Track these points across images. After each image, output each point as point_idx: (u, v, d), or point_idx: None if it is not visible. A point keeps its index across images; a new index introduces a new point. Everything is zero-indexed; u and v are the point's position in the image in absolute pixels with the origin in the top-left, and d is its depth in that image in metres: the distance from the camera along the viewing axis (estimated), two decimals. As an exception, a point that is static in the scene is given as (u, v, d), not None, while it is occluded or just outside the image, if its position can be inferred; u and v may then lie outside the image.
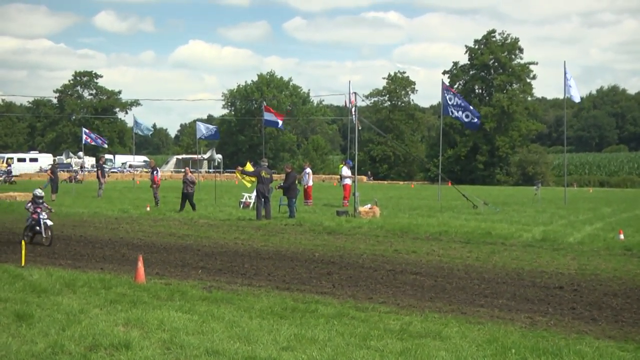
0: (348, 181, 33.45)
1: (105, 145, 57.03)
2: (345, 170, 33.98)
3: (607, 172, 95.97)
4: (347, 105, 31.99)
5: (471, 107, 38.95)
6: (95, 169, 42.48)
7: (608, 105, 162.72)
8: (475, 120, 38.08)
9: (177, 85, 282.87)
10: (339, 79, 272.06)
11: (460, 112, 37.48)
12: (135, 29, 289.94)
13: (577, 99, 41.01)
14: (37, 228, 18.29)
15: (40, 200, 18.66)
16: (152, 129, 65.99)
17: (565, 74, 36.19)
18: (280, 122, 39.10)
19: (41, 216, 18.30)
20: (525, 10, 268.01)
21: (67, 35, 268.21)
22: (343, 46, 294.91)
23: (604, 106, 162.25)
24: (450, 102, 37.49)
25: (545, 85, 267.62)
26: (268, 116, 38.32)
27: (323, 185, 66.03)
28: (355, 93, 30.55)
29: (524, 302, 11.71)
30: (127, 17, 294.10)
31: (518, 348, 8.35)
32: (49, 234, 18.42)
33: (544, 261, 16.31)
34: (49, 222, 18.49)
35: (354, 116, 30.09)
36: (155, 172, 33.58)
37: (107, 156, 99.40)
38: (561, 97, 44.09)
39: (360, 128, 30.12)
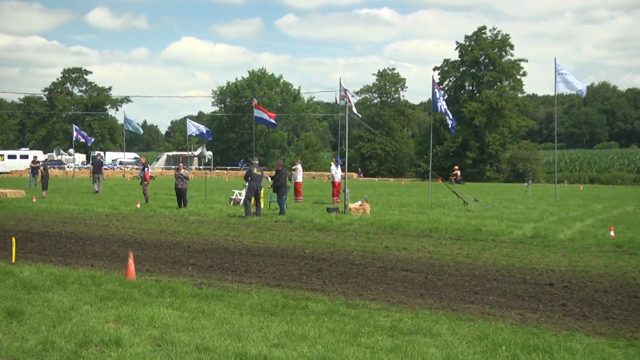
0: (338, 178, 33.46)
1: (89, 144, 56.76)
2: (334, 168, 33.95)
3: (597, 168, 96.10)
4: (338, 102, 31.91)
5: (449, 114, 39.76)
6: (92, 165, 42.83)
7: (599, 102, 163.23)
8: (453, 124, 39.50)
9: (170, 82, 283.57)
10: (330, 76, 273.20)
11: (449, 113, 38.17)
12: (128, 25, 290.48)
13: (583, 94, 40.16)
14: None
15: None
16: (141, 128, 65.63)
17: (555, 70, 36.18)
18: (274, 122, 38.99)
19: None
20: (519, 7, 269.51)
21: (60, 32, 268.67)
22: (336, 43, 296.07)
23: (594, 103, 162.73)
24: (440, 98, 37.78)
25: (537, 82, 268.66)
26: (259, 113, 38.24)
27: (313, 182, 66.00)
28: (346, 90, 30.47)
29: (515, 299, 11.73)
30: (121, 13, 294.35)
31: (509, 345, 8.36)
32: None
33: (535, 258, 16.35)
34: None
35: (348, 108, 29.97)
36: (145, 169, 33.53)
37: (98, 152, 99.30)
38: (552, 93, 44.05)
39: (357, 114, 30.12)
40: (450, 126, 41.05)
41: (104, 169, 42.77)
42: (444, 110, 38.36)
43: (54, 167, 66.05)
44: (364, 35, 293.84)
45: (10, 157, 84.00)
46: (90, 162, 45.02)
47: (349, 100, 30.59)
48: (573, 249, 18.00)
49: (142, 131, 62.35)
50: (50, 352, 7.74)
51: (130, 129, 55.34)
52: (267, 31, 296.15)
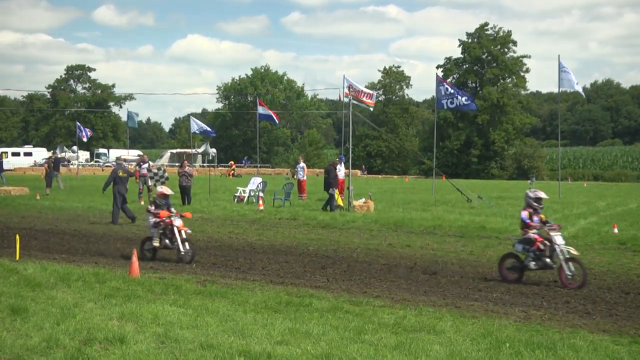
0: (341, 175, 33.42)
1: (85, 139, 56.29)
2: (338, 166, 33.91)
3: (601, 166, 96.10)
4: (342, 99, 31.91)
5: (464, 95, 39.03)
6: (50, 164, 41.79)
7: (602, 99, 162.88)
8: (471, 103, 38.56)
9: (175, 79, 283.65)
10: (336, 74, 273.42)
11: (459, 98, 37.55)
12: (135, 22, 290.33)
13: (578, 88, 39.68)
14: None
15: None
16: (137, 115, 65.35)
17: (559, 67, 36.08)
18: (277, 120, 39.33)
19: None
20: (525, 4, 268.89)
21: (66, 29, 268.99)
22: (341, 40, 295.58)
23: (598, 100, 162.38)
24: (445, 94, 37.54)
25: (542, 79, 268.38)
26: (263, 110, 38.39)
27: (317, 179, 65.89)
28: (350, 85, 30.47)
29: (518, 296, 11.73)
30: (127, 11, 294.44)
31: (512, 342, 8.35)
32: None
33: (538, 255, 16.31)
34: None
35: (352, 98, 29.92)
36: (140, 167, 33.37)
37: (101, 150, 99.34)
38: (555, 90, 43.87)
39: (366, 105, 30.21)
40: (470, 106, 40.11)
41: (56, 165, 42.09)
42: (458, 100, 37.81)
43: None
44: (369, 32, 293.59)
45: (14, 154, 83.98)
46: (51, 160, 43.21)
47: (355, 93, 30.51)
48: (576, 246, 17.87)
49: (136, 123, 62.73)
50: (54, 350, 7.75)
51: (130, 124, 55.55)
52: (273, 28, 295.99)
